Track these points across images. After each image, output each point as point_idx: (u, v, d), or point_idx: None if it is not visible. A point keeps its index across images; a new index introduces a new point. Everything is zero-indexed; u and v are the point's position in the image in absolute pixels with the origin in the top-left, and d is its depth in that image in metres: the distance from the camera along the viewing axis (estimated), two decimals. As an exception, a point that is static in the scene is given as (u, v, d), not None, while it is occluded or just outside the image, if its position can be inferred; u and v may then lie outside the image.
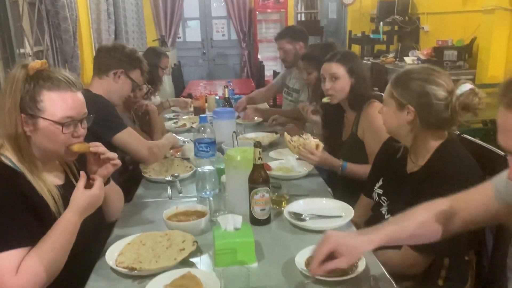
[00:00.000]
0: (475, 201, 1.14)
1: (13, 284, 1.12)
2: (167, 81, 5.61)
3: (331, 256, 1.10)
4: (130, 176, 2.22)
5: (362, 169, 1.94)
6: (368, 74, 2.19)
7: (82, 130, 1.34)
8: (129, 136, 1.96)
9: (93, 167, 1.42)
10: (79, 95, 1.33)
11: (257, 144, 1.52)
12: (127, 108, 2.60)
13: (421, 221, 1.16)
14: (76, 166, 1.45)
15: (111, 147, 1.78)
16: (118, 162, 1.44)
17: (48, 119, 1.25)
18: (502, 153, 1.52)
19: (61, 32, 3.48)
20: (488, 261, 1.56)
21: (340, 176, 2.05)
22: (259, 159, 1.51)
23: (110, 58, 2.09)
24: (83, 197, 1.28)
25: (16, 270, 1.13)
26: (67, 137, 1.29)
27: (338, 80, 2.07)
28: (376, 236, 1.12)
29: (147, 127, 2.56)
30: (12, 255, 1.13)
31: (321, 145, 1.97)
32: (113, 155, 1.42)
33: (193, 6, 7.92)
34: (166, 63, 3.43)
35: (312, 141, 1.96)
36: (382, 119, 1.60)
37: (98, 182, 1.34)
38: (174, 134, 2.43)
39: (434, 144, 1.48)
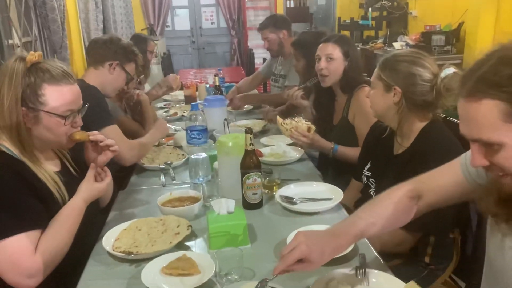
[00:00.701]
0: (443, 183, 1.15)
1: (33, 263, 1.17)
2: (156, 70, 5.60)
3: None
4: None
5: (353, 152, 1.98)
6: (361, 60, 2.23)
7: (80, 120, 1.38)
8: (112, 133, 1.92)
9: (92, 154, 1.47)
10: (76, 87, 1.37)
11: (248, 130, 1.55)
12: (119, 98, 2.61)
13: (388, 214, 1.15)
14: (69, 154, 1.49)
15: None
16: (117, 148, 1.49)
17: (51, 112, 1.29)
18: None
19: (49, 22, 3.46)
20: (473, 239, 1.62)
21: (330, 160, 2.10)
22: (250, 144, 1.55)
23: (107, 49, 2.10)
24: (92, 188, 1.39)
25: (34, 250, 1.18)
26: (68, 128, 1.34)
27: (333, 61, 2.11)
28: (345, 241, 1.10)
29: (138, 117, 2.58)
30: (28, 237, 1.18)
31: (313, 127, 2.01)
32: (112, 142, 1.47)
33: (181, -6, 7.87)
34: (153, 47, 3.47)
35: (304, 124, 2.00)
36: (370, 102, 1.64)
37: (108, 179, 1.45)
38: (165, 121, 2.43)
39: (419, 125, 1.53)
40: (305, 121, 2.05)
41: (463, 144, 1.52)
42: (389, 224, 1.15)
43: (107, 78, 2.08)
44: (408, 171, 1.44)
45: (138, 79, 2.72)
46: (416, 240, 1.49)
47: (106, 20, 5.44)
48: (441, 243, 1.54)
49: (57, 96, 1.29)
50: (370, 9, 6.24)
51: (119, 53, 2.11)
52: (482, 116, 0.81)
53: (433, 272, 1.54)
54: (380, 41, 6.05)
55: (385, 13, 6.23)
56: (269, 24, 3.23)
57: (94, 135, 1.44)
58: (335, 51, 2.11)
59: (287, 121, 2.05)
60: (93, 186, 1.39)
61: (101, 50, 2.10)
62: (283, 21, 3.27)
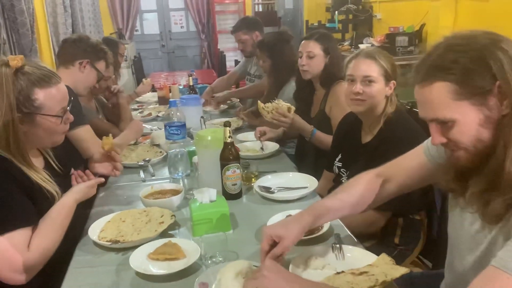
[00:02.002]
0: (409, 166, 1.25)
1: (27, 259, 1.20)
2: (126, 74, 5.59)
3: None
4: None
5: (328, 139, 2.09)
6: (342, 57, 2.31)
7: (70, 115, 1.42)
8: (85, 133, 1.96)
9: (99, 159, 1.61)
10: (62, 84, 1.40)
11: (227, 124, 1.62)
12: (91, 98, 2.60)
13: (353, 201, 1.25)
14: (52, 151, 1.52)
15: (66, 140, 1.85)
16: (118, 173, 1.67)
17: (48, 115, 1.32)
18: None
19: (18, 25, 3.42)
20: (438, 221, 1.75)
21: (305, 152, 2.19)
22: (229, 137, 1.62)
23: (76, 48, 2.12)
24: (86, 191, 1.46)
25: (26, 247, 1.21)
26: (63, 126, 1.39)
27: (314, 58, 2.21)
28: (306, 213, 1.17)
29: (115, 117, 2.60)
30: (22, 234, 1.21)
31: (293, 108, 2.11)
32: (119, 158, 1.63)
33: (150, -2, 7.85)
34: (124, 50, 3.50)
35: (284, 105, 2.09)
36: (365, 98, 1.65)
37: (94, 181, 1.50)
38: (140, 122, 2.46)
39: (386, 113, 1.64)
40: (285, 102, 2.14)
41: (426, 132, 1.65)
42: (357, 200, 1.25)
43: (78, 76, 2.10)
44: (377, 157, 1.55)
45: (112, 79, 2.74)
46: (385, 220, 1.59)
47: (75, 25, 5.38)
48: (409, 225, 1.65)
49: (50, 98, 1.33)
50: (336, 12, 6.42)
51: (88, 51, 2.13)
52: (435, 97, 0.91)
53: (402, 252, 1.65)
54: (346, 43, 6.24)
55: (351, 16, 6.44)
56: (242, 26, 3.32)
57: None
58: (316, 49, 2.20)
59: (268, 104, 2.13)
60: (87, 189, 1.46)
61: (71, 49, 2.12)
62: (255, 23, 3.36)
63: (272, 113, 2.09)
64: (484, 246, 0.95)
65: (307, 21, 7.03)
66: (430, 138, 1.17)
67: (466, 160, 0.94)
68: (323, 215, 1.21)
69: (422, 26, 4.91)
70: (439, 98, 0.90)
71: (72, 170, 1.53)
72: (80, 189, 1.44)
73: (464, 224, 1.03)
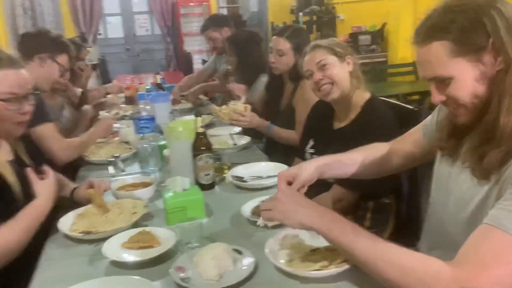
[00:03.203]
0: (409, 143, 1.30)
1: None
2: (90, 82, 5.47)
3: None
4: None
5: (286, 133, 2.15)
6: None
7: (28, 107, 1.37)
8: (48, 132, 1.90)
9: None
10: (23, 72, 1.35)
11: (198, 114, 1.63)
12: (55, 94, 2.50)
13: (363, 162, 1.32)
14: (22, 144, 1.48)
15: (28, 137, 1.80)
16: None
17: None
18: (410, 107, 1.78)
19: (-25, 26, 3.31)
20: (406, 205, 1.80)
21: (274, 143, 2.22)
22: (200, 127, 1.62)
23: (35, 42, 2.05)
24: (46, 186, 1.36)
25: None
26: (13, 114, 1.32)
27: (283, 56, 2.24)
28: (307, 163, 1.25)
29: (78, 113, 2.54)
30: None
31: (249, 106, 2.13)
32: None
33: (113, 1, 7.72)
34: (86, 54, 3.45)
35: (240, 105, 2.11)
36: (331, 81, 1.69)
37: (50, 173, 1.41)
38: (109, 120, 2.40)
39: (361, 99, 1.68)
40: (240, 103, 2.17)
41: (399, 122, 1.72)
42: (367, 163, 1.31)
43: (39, 72, 2.03)
44: (351, 141, 1.59)
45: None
46: (354, 199, 1.63)
47: (35, 28, 5.25)
48: (379, 208, 1.70)
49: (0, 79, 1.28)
50: (300, 14, 6.53)
51: (48, 44, 2.06)
52: (433, 56, 0.96)
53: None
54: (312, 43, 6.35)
55: (315, 18, 6.56)
56: (210, 24, 3.33)
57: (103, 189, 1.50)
58: (285, 47, 2.24)
59: (224, 106, 2.15)
60: (44, 183, 1.37)
61: (29, 44, 2.06)
62: (222, 19, 3.39)
63: (230, 114, 2.10)
64: (475, 205, 0.98)
65: (272, 23, 7.11)
66: (429, 119, 1.23)
67: (465, 117, 0.98)
68: (333, 165, 1.27)
69: (384, 25, 5.07)
70: (437, 57, 0.95)
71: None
72: (42, 191, 1.33)
73: (453, 185, 1.06)
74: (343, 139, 1.66)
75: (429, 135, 1.21)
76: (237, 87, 2.64)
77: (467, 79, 0.94)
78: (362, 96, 1.71)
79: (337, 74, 1.68)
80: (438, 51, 0.94)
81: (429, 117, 1.25)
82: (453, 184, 1.06)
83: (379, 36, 5.05)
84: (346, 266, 1.02)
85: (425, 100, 4.20)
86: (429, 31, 0.96)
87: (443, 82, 0.97)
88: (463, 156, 1.01)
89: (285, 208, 1.05)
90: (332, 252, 1.08)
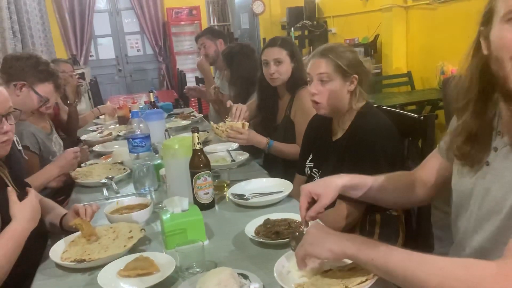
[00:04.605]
0: (428, 170, 1.24)
1: None
2: (83, 99, 5.40)
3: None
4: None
5: (287, 148, 2.06)
6: (302, 59, 2.31)
7: (8, 126, 1.30)
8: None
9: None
10: (1, 90, 1.28)
11: (195, 130, 1.55)
12: (42, 117, 2.30)
13: (392, 192, 1.26)
14: (7, 169, 1.39)
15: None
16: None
17: None
18: (415, 115, 1.72)
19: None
20: (415, 217, 1.73)
21: (275, 160, 2.14)
22: (198, 144, 1.54)
23: (12, 68, 1.92)
24: (23, 207, 1.27)
25: None
26: None
27: (282, 64, 2.17)
28: (342, 183, 1.20)
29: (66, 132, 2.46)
30: None
31: (246, 124, 2.05)
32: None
33: (104, 23, 7.71)
34: (70, 68, 3.44)
35: (238, 122, 2.03)
36: (324, 98, 1.62)
37: (32, 193, 1.33)
38: (73, 153, 2.00)
39: (356, 108, 1.62)
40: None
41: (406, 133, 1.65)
42: (395, 193, 1.26)
43: (15, 99, 1.85)
44: (347, 152, 1.53)
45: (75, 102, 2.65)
46: (361, 214, 1.54)
47: (25, 51, 5.19)
48: (387, 221, 1.62)
49: None
50: (292, 29, 6.54)
51: (26, 72, 1.93)
52: None
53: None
54: (304, 58, 6.33)
55: (306, 32, 6.57)
56: (207, 32, 3.39)
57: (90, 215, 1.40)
58: (282, 54, 2.18)
59: (221, 123, 2.07)
60: (22, 205, 1.28)
61: (7, 69, 1.94)
62: (219, 32, 3.43)
63: (227, 132, 2.02)
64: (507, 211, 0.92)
65: (264, 39, 7.12)
66: (442, 143, 1.17)
67: None
68: (360, 187, 1.23)
69: (377, 36, 5.06)
70: None
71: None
72: (19, 213, 1.24)
73: (481, 190, 1.00)
74: (340, 150, 1.59)
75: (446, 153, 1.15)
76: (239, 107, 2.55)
77: None
78: (357, 104, 1.65)
79: (333, 93, 1.61)
80: None
81: (442, 142, 1.18)
82: (480, 190, 1.00)
83: (372, 48, 5.03)
84: (364, 288, 0.94)
85: (422, 110, 4.16)
86: None
87: None
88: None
89: (314, 239, 1.01)
90: (346, 273, 1.00)
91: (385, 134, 1.53)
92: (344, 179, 1.21)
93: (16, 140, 2.02)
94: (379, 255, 0.90)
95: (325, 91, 1.61)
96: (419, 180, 1.25)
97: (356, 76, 1.60)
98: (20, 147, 2.02)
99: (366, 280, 0.95)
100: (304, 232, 1.08)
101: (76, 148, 2.01)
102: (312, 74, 1.63)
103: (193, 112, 3.62)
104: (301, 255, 1.03)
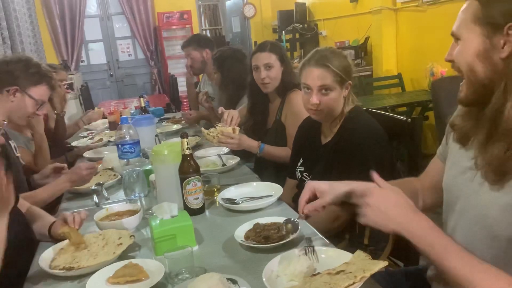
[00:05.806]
0: (431, 175, 1.24)
1: None
2: (74, 105, 5.38)
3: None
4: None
5: (278, 151, 2.07)
6: (291, 62, 2.33)
7: None
8: None
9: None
10: None
11: (184, 135, 1.55)
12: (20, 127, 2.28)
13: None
14: None
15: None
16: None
17: None
18: (402, 118, 1.73)
19: (-49, 57, 3.21)
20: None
21: (265, 164, 2.14)
22: (187, 149, 1.54)
23: (2, 73, 1.88)
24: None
25: None
26: None
27: (272, 69, 2.18)
28: (349, 187, 1.15)
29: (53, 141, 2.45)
30: None
31: (237, 128, 2.06)
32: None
33: (94, 28, 7.68)
34: (64, 76, 3.41)
35: (228, 127, 2.04)
36: (325, 107, 1.63)
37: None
38: (84, 166, 1.89)
39: (345, 111, 1.63)
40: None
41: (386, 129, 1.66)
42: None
43: (9, 105, 1.87)
44: (337, 154, 1.54)
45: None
46: (349, 216, 1.55)
47: (14, 55, 5.16)
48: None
49: None
50: (283, 32, 6.56)
51: (17, 76, 1.89)
52: (461, 13, 0.97)
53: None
54: (296, 60, 6.35)
55: (297, 35, 6.60)
56: (192, 42, 3.30)
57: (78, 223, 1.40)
58: (272, 59, 2.19)
59: (211, 129, 2.08)
60: None
61: None
62: (206, 40, 3.36)
63: (218, 137, 2.03)
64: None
65: (255, 42, 7.13)
66: (441, 148, 1.18)
67: (463, 92, 0.98)
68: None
69: (367, 39, 5.09)
70: (464, 15, 0.96)
71: None
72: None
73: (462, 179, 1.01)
74: (329, 153, 1.60)
75: (445, 157, 1.15)
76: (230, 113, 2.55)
77: (470, 47, 0.93)
78: (347, 108, 1.66)
79: (334, 102, 1.63)
80: (467, 10, 0.95)
81: (440, 146, 1.19)
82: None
83: (362, 50, 5.06)
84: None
85: (413, 111, 4.19)
86: None
87: (456, 42, 0.97)
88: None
89: (382, 208, 1.00)
90: (334, 276, 1.00)
91: (373, 136, 1.54)
92: (351, 184, 1.14)
93: (14, 146, 2.00)
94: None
95: (327, 100, 1.63)
96: (425, 186, 1.26)
97: (351, 82, 1.62)
98: (18, 154, 2.01)
99: (354, 283, 0.95)
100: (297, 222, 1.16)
101: (91, 164, 1.92)
102: (312, 85, 1.63)
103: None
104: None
